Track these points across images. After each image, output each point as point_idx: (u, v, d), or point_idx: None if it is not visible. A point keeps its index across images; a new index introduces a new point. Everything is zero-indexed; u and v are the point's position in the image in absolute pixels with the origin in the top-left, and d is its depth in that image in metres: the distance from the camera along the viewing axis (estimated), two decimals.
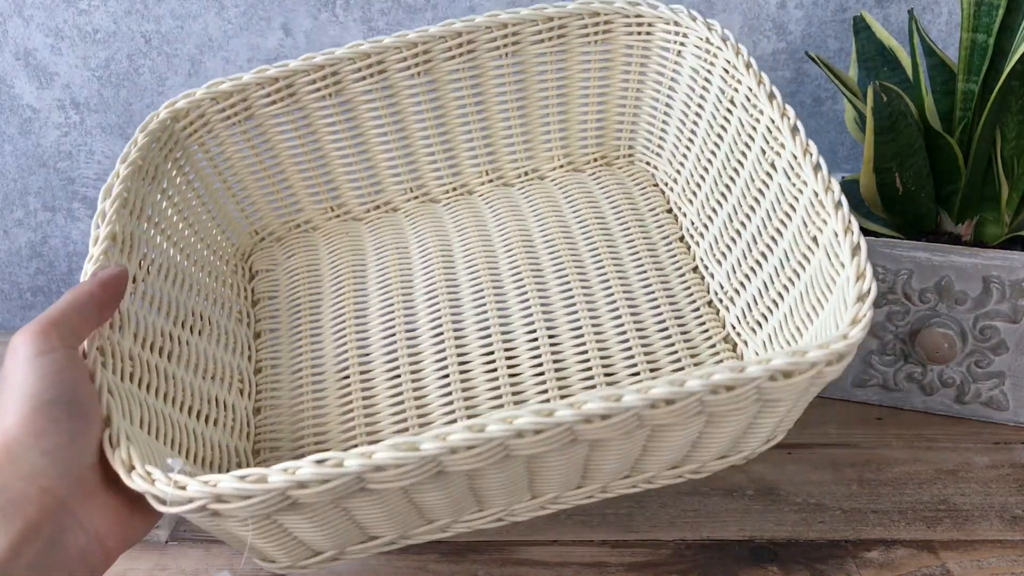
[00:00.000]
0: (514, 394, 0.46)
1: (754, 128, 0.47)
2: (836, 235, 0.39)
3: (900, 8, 0.67)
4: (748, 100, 0.47)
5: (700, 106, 0.53)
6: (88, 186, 0.73)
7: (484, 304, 0.50)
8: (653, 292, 0.51)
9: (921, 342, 0.55)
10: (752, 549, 0.46)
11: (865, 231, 0.57)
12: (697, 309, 0.50)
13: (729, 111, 0.50)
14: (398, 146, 0.59)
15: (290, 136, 0.57)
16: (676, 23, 0.54)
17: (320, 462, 0.32)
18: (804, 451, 0.55)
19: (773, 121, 0.45)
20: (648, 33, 0.56)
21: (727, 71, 0.49)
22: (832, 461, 0.54)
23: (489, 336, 0.48)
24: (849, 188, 0.60)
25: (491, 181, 0.60)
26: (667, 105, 0.57)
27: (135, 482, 0.33)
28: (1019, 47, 0.49)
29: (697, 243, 0.53)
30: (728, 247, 0.50)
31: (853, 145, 0.73)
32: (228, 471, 0.36)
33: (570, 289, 0.51)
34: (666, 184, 0.57)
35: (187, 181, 0.54)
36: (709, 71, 0.52)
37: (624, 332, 0.48)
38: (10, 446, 0.32)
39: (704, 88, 0.52)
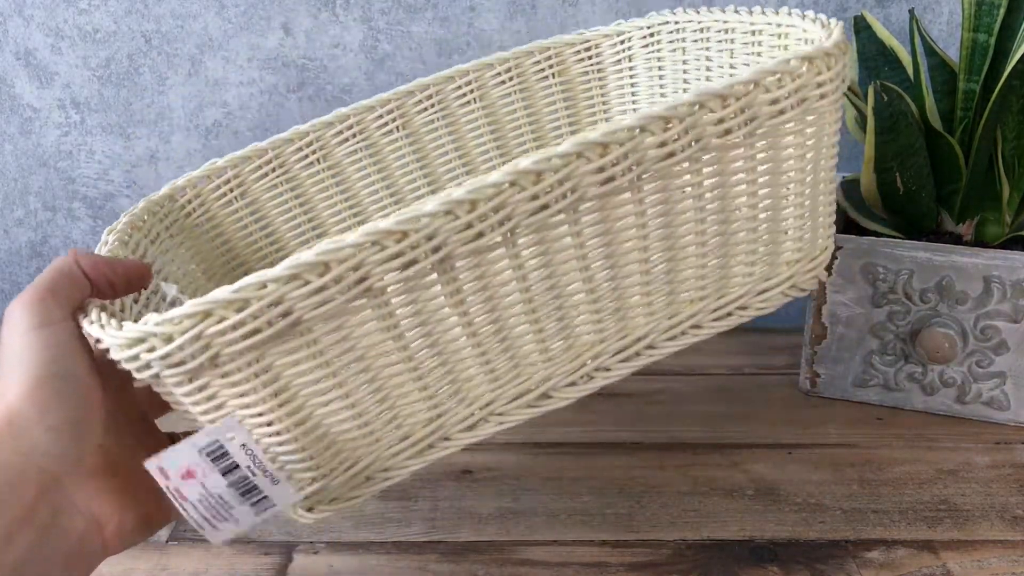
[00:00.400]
0: None
1: None
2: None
3: (901, 8, 0.67)
4: None
5: None
6: (88, 186, 0.73)
7: None
8: None
9: (922, 342, 0.55)
10: (752, 549, 0.46)
11: (866, 231, 0.57)
12: None
13: None
14: (390, 202, 0.59)
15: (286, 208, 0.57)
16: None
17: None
18: (804, 451, 0.55)
19: None
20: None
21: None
22: (833, 461, 0.54)
23: None
24: (850, 188, 0.60)
25: None
26: None
27: (88, 328, 0.32)
28: (1020, 47, 0.49)
29: None
30: None
31: (854, 145, 0.73)
32: None
33: None
34: None
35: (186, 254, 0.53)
36: None
37: None
38: (13, 420, 0.31)
39: None
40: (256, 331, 0.31)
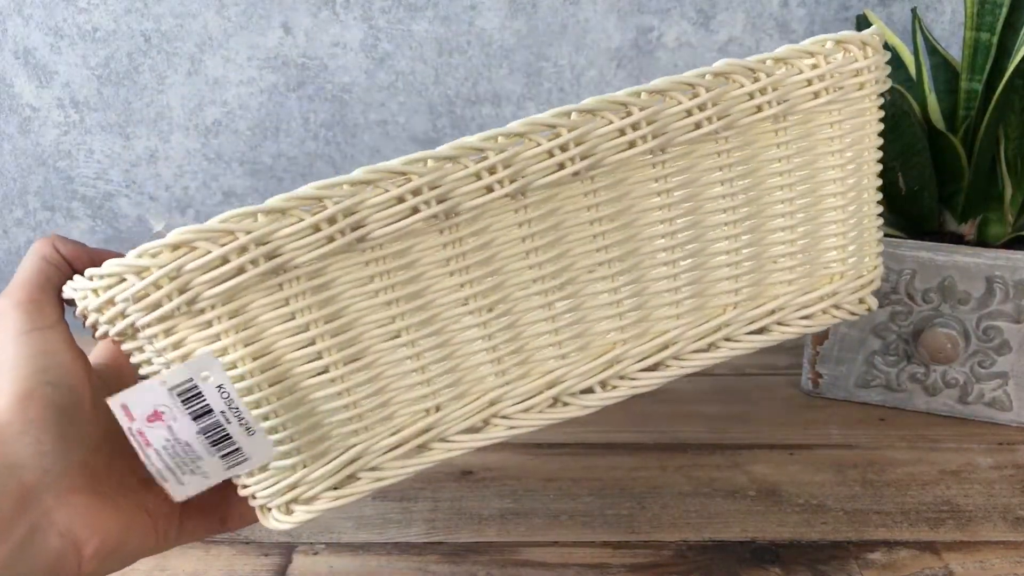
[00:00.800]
0: None
1: None
2: None
3: (903, 7, 0.67)
4: None
5: None
6: (87, 185, 0.73)
7: None
8: None
9: (924, 342, 0.55)
10: (754, 550, 0.46)
11: None
12: None
13: None
14: None
15: None
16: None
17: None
18: (806, 452, 0.54)
19: None
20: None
21: None
22: (835, 462, 0.53)
23: None
24: None
25: None
26: None
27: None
28: (1023, 46, 0.49)
29: None
30: None
31: None
32: None
33: None
34: None
35: None
36: None
37: None
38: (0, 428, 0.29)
39: None
40: (240, 270, 0.29)
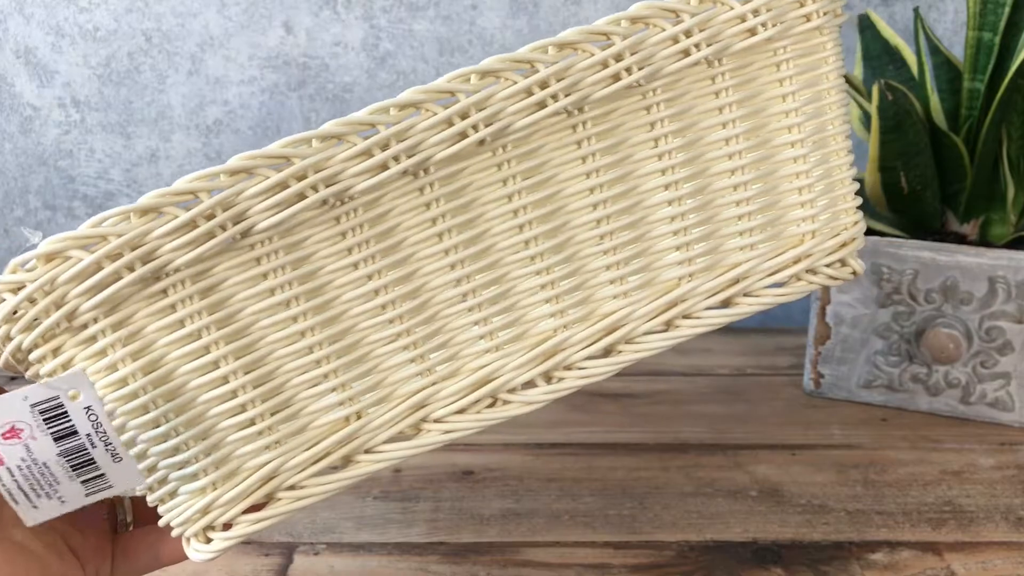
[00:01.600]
0: None
1: None
2: None
3: (906, 6, 0.67)
4: None
5: None
6: (88, 185, 0.73)
7: None
8: None
9: (926, 343, 0.55)
10: (755, 551, 0.46)
11: (870, 230, 0.57)
12: None
13: None
14: None
15: None
16: None
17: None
18: (808, 452, 0.54)
19: None
20: None
21: None
22: (836, 462, 0.53)
23: None
24: None
25: None
26: None
27: None
28: None
29: None
30: None
31: (858, 144, 0.73)
32: None
33: None
34: None
35: None
36: None
37: None
38: None
39: None
40: (116, 277, 0.27)
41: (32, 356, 0.28)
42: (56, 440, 0.28)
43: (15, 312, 0.26)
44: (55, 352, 0.27)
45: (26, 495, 0.29)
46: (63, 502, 0.29)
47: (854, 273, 0.37)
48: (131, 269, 0.27)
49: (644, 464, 0.54)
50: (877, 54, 0.59)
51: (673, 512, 0.49)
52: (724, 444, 0.55)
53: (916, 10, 0.57)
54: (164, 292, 0.27)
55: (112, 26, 0.68)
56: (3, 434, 0.28)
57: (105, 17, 0.68)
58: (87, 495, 0.29)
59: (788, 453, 0.54)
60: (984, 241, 0.57)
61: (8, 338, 0.27)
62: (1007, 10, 0.51)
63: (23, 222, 0.74)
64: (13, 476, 0.28)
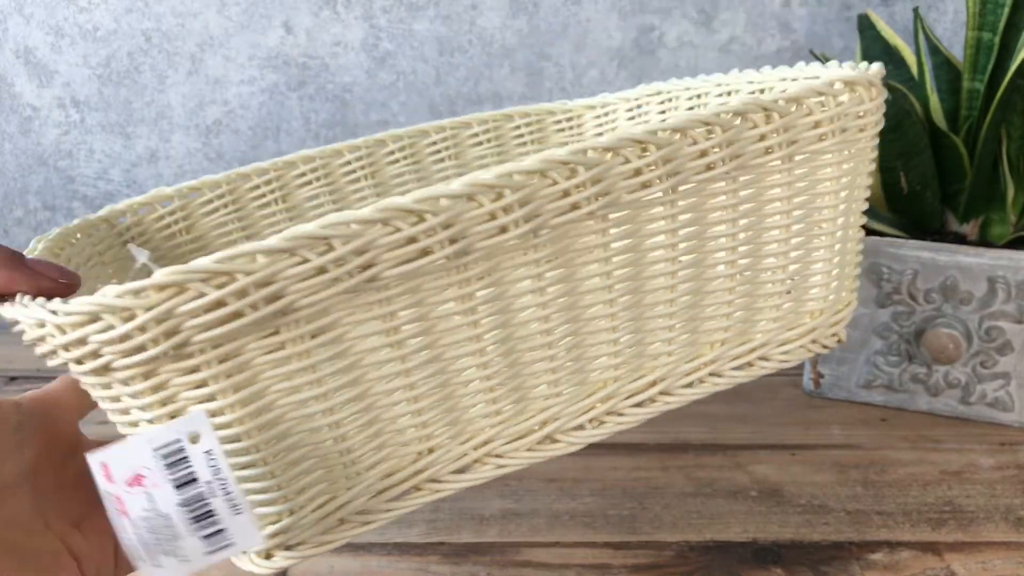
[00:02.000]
0: None
1: None
2: None
3: (905, 6, 0.67)
4: None
5: None
6: (88, 185, 0.73)
7: None
8: None
9: (926, 343, 0.55)
10: (755, 551, 0.46)
11: (870, 231, 0.57)
12: None
13: None
14: None
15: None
16: None
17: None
18: (808, 452, 0.54)
19: None
20: None
21: None
22: (836, 462, 0.53)
23: None
24: None
25: None
26: None
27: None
28: None
29: None
30: None
31: None
32: None
33: None
34: None
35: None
36: None
37: None
38: None
39: None
40: (238, 315, 0.26)
41: (118, 376, 0.27)
42: (177, 488, 0.27)
43: (122, 338, 0.26)
44: (147, 375, 0.27)
45: (149, 549, 0.27)
46: (185, 560, 0.27)
47: (840, 341, 0.42)
48: (255, 308, 0.27)
49: (644, 464, 0.54)
50: (877, 54, 0.59)
51: (673, 512, 0.49)
52: (724, 444, 0.55)
53: (916, 10, 0.58)
54: (277, 329, 0.28)
55: (112, 26, 0.68)
56: (128, 482, 0.26)
57: (105, 17, 0.68)
58: (207, 552, 0.28)
59: (788, 453, 0.54)
60: (984, 241, 0.57)
61: (96, 355, 0.27)
62: (1007, 10, 0.51)
63: (22, 222, 0.74)
64: (137, 528, 0.27)
